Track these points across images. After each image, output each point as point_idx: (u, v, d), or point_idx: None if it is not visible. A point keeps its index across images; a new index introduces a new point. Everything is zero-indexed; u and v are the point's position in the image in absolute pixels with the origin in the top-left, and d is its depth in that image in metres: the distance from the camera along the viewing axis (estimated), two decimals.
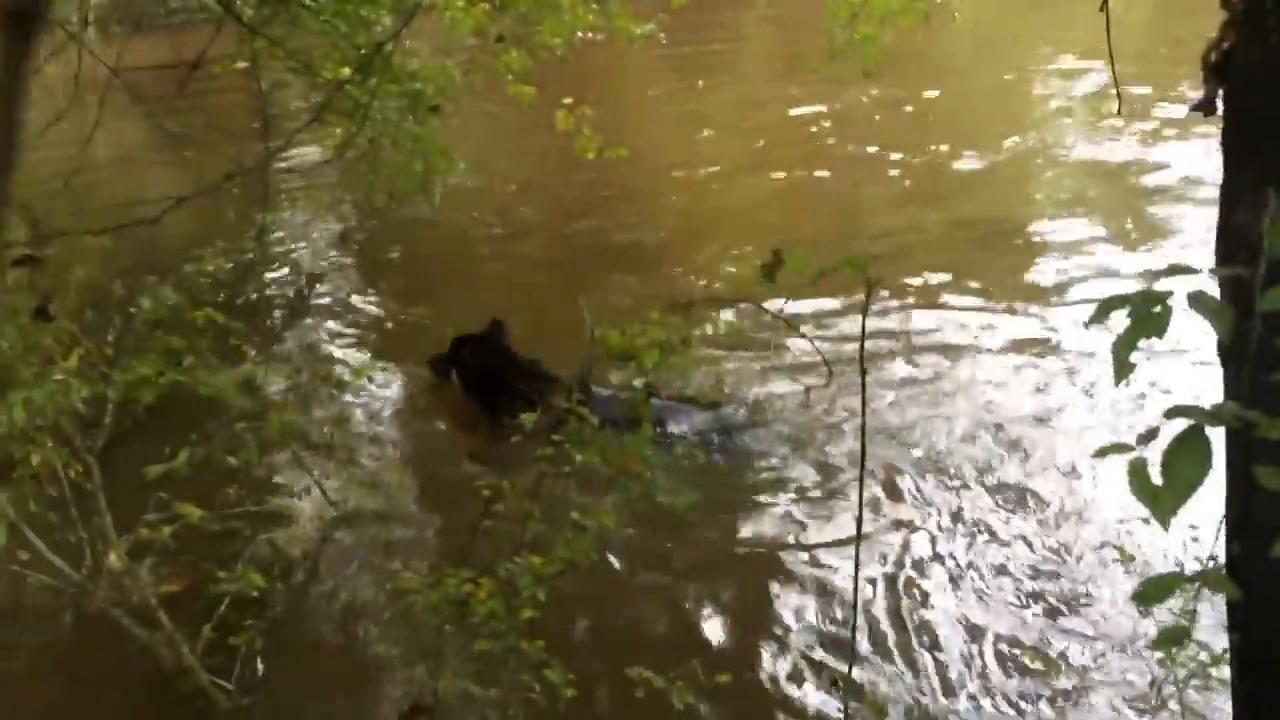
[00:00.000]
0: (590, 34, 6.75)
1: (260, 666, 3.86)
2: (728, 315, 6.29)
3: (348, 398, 5.74)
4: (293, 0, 6.09)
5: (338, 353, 6.61)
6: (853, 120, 10.65)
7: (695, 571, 4.36)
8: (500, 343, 5.63)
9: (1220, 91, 2.15)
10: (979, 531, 4.42)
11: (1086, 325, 1.77)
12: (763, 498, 4.78)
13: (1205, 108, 2.19)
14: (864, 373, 2.66)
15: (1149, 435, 1.64)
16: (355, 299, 7.53)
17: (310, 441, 5.02)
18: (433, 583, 3.25)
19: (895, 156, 9.53)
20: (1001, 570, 4.19)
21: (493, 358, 5.57)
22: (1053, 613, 3.96)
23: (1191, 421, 1.59)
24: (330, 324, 7.15)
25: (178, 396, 3.87)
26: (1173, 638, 1.62)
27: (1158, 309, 1.64)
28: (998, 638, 3.83)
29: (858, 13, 5.27)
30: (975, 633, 3.87)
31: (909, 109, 10.95)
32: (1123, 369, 1.65)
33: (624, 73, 13.66)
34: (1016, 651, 3.77)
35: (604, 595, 4.11)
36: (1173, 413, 1.60)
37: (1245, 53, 2.10)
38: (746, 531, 4.58)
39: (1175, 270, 1.77)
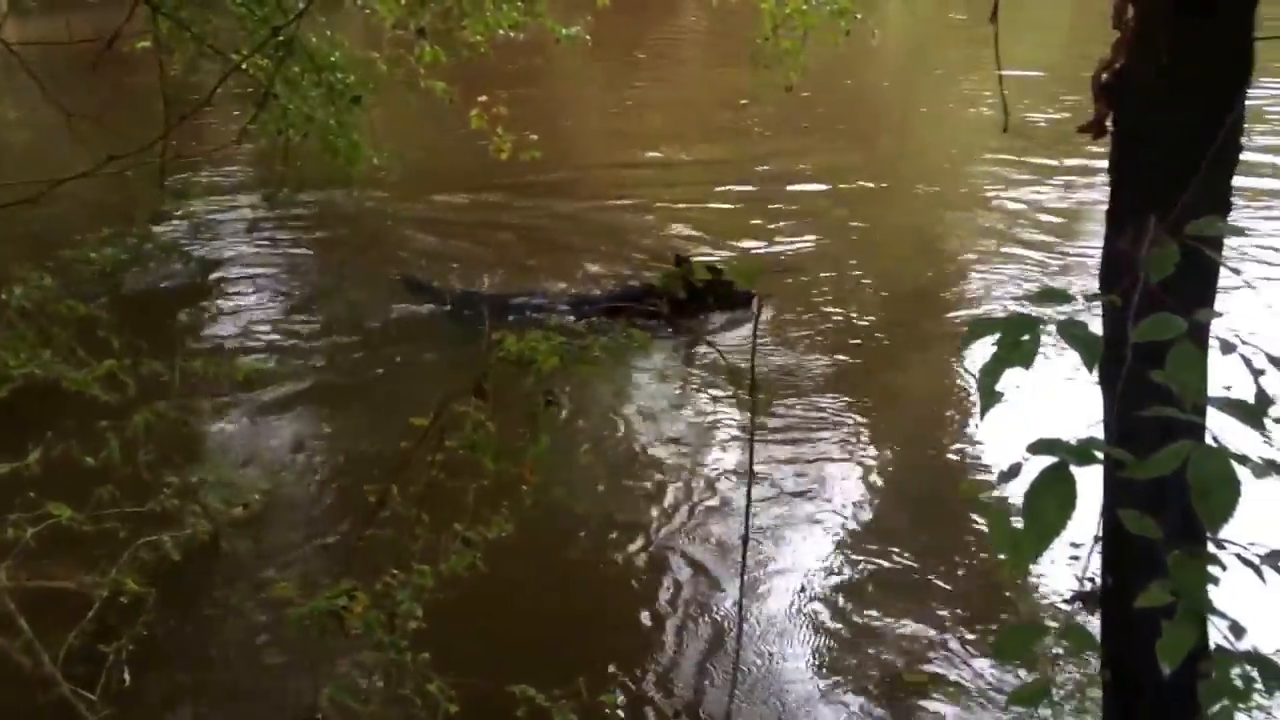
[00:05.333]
0: (513, 34, 6.62)
1: (129, 676, 3.67)
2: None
3: (236, 395, 5.56)
4: None
5: (228, 347, 6.40)
6: None
7: (586, 584, 4.29)
8: None
9: (1110, 113, 2.12)
10: (873, 549, 4.38)
11: (959, 351, 1.69)
12: (655, 509, 4.70)
13: (1093, 129, 2.15)
14: (754, 389, 2.60)
15: (1011, 473, 1.55)
16: (253, 293, 7.30)
17: (192, 442, 4.83)
18: (308, 595, 3.12)
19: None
20: (897, 595, 4.15)
21: None
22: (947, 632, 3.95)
23: (1056, 458, 1.52)
24: (224, 318, 6.93)
25: (63, 391, 3.69)
26: (1031, 695, 1.54)
27: (1026, 337, 1.57)
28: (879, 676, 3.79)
29: (779, 26, 5.24)
30: (859, 669, 3.82)
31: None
32: (989, 398, 1.54)
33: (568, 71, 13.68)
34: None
35: (493, 607, 3.99)
36: (1036, 447, 1.50)
37: (1136, 74, 2.06)
38: (638, 542, 4.49)
39: (1049, 295, 1.69)
